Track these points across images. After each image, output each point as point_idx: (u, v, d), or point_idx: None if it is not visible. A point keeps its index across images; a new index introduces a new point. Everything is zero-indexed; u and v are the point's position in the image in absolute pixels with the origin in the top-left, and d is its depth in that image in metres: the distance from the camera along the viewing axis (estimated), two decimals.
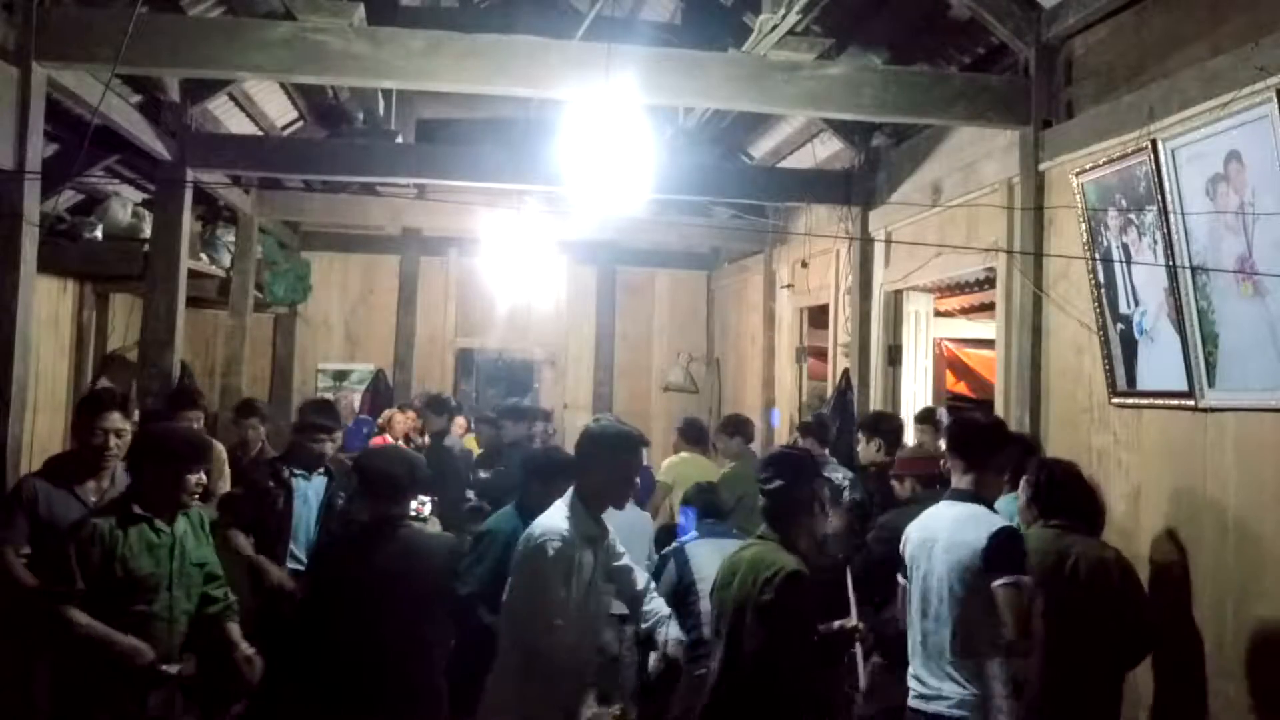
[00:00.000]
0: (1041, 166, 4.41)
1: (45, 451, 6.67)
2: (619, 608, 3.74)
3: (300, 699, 3.33)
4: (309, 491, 4.62)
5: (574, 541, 3.09)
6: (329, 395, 9.44)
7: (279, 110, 7.27)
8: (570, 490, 3.23)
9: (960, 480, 3.20)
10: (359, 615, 3.24)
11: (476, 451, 7.24)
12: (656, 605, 3.49)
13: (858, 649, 3.56)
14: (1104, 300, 3.93)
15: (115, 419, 3.61)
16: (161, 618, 3.16)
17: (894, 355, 6.22)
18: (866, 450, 5.10)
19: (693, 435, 6.53)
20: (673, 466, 6.26)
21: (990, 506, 3.14)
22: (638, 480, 3.41)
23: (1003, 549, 2.96)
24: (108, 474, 3.67)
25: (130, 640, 3.05)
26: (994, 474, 3.21)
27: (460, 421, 8.47)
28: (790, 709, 3.07)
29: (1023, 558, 2.99)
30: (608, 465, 3.23)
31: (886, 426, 5.18)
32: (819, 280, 7.49)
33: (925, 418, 5.34)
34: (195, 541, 3.33)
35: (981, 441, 3.24)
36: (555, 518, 3.15)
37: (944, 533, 3.10)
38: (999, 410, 4.74)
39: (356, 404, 9.47)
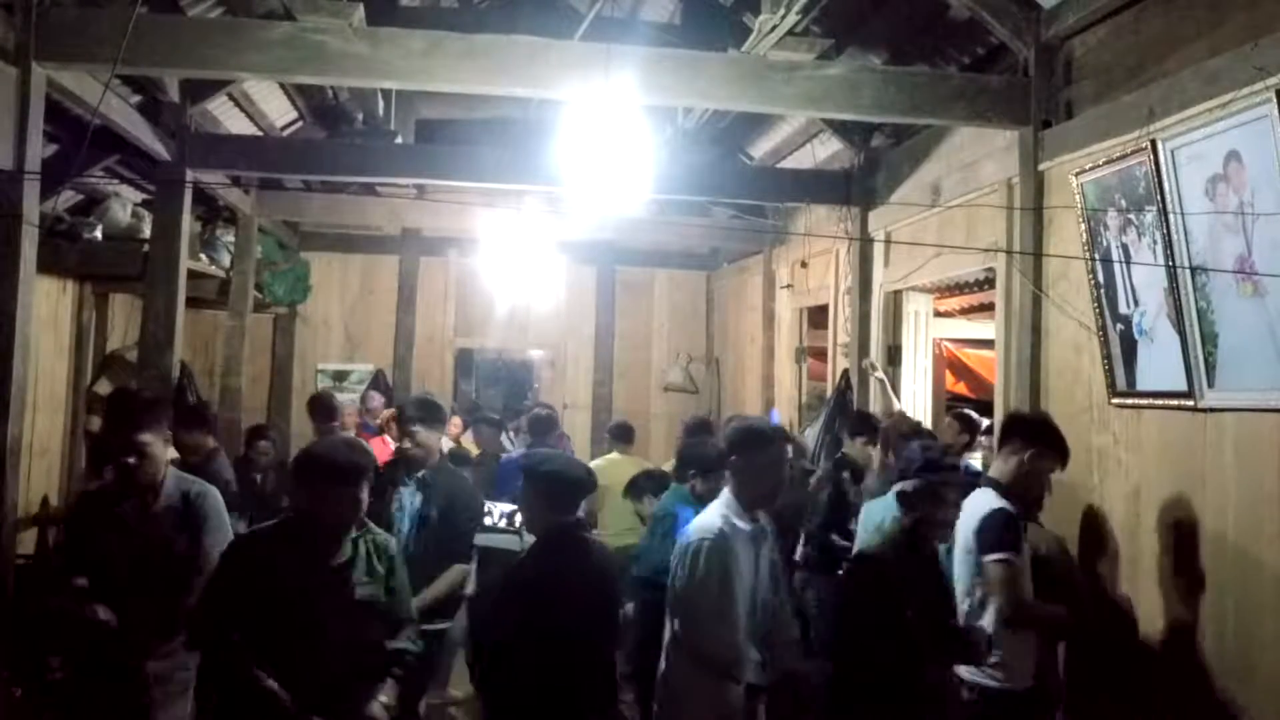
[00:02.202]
0: (1041, 167, 4.41)
1: (45, 451, 6.71)
2: None
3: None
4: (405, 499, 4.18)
5: (730, 538, 3.12)
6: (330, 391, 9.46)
7: (278, 110, 7.27)
8: (726, 489, 3.28)
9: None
10: (560, 638, 2.98)
11: (474, 452, 7.21)
12: None
13: None
14: (1103, 300, 3.93)
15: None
16: (315, 658, 2.79)
17: (893, 355, 6.23)
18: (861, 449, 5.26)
19: (621, 435, 6.65)
20: (601, 469, 6.22)
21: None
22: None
23: (994, 528, 3.20)
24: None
25: (271, 684, 2.73)
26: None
27: (456, 421, 8.48)
28: None
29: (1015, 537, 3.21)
30: (746, 465, 3.25)
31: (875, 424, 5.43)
32: (818, 280, 7.49)
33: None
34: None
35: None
36: (711, 516, 3.21)
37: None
38: (998, 411, 4.74)
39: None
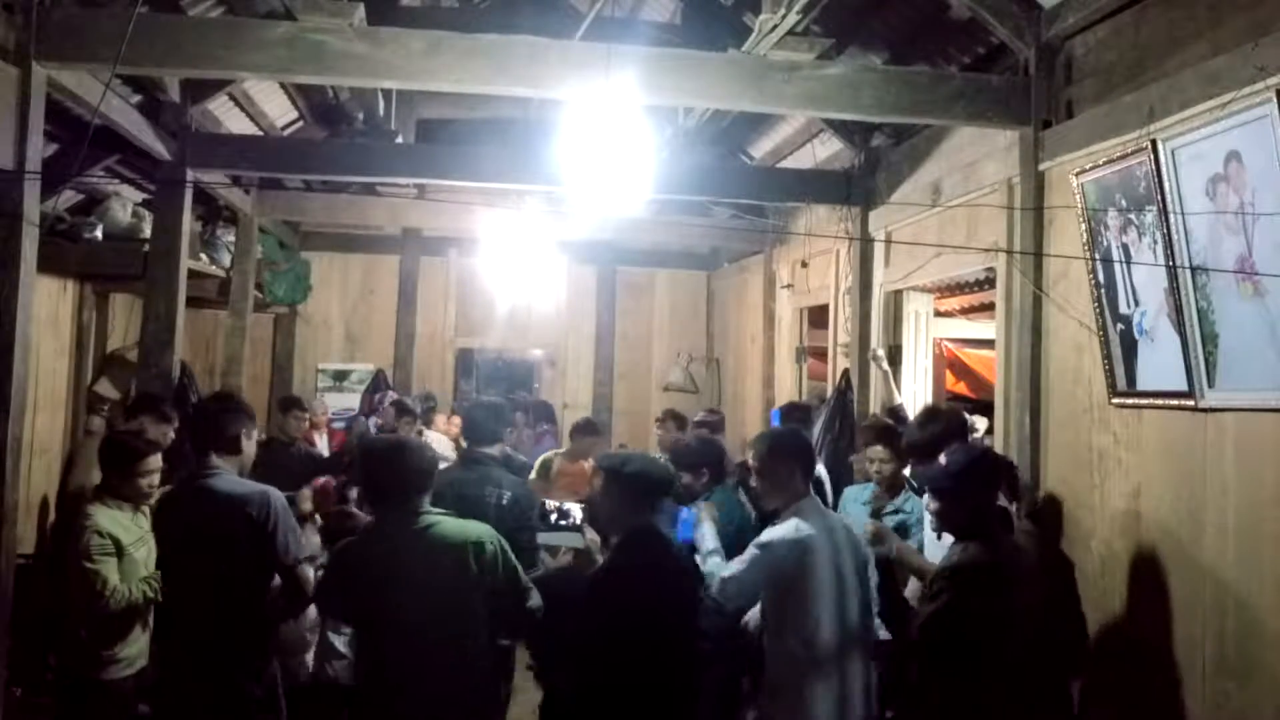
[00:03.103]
0: (1041, 166, 4.40)
1: (45, 451, 6.71)
2: None
3: None
4: None
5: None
6: (325, 394, 9.45)
7: (279, 110, 7.27)
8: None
9: None
10: (646, 638, 3.01)
11: None
12: None
13: None
14: (1104, 300, 3.93)
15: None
16: None
17: (894, 355, 6.23)
18: None
19: (581, 430, 6.74)
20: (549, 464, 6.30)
21: None
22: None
23: None
24: None
25: None
26: None
27: (456, 421, 8.47)
28: None
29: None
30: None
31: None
32: (819, 280, 7.49)
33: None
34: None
35: None
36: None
37: None
38: (999, 411, 4.75)
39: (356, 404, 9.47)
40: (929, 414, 4.39)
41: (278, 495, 3.51)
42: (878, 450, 4.45)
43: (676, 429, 6.55)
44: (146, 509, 3.83)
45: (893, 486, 4.41)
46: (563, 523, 4.34)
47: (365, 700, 3.09)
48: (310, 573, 3.57)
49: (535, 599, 3.14)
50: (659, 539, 3.21)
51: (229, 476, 3.55)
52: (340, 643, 4.43)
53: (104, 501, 3.76)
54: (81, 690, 3.67)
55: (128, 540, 3.69)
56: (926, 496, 3.48)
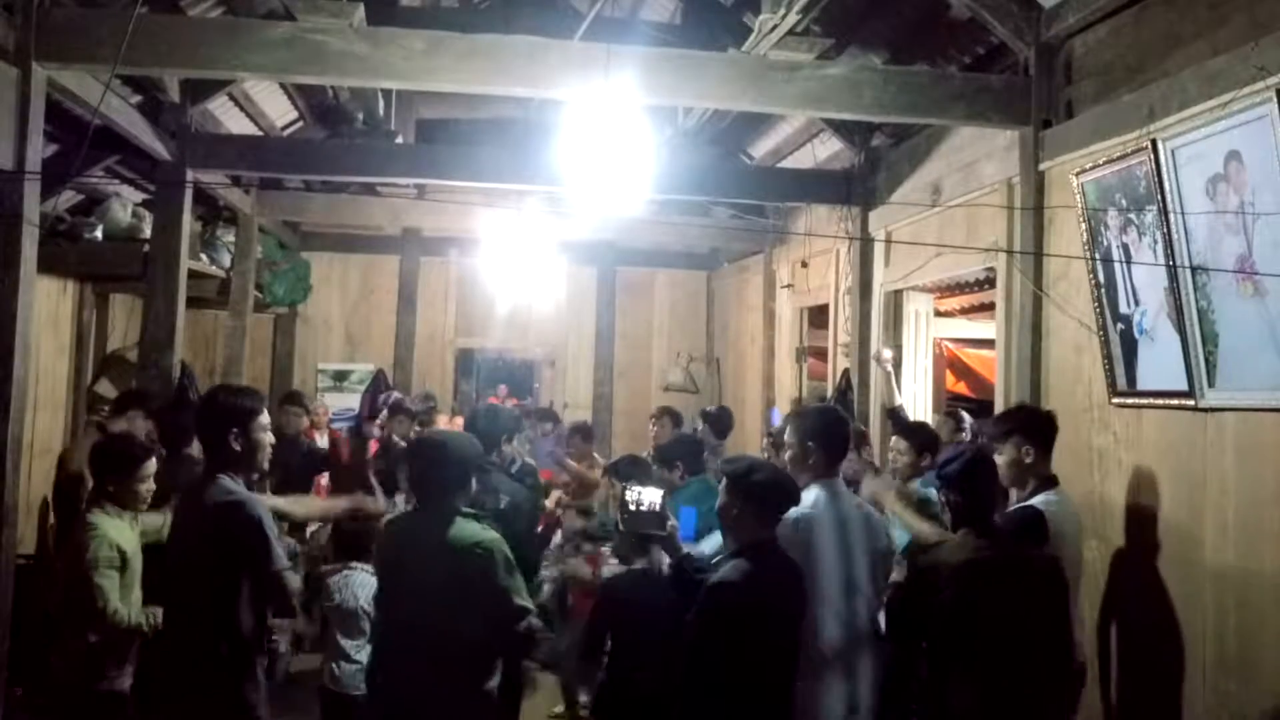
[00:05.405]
0: (1041, 166, 4.41)
1: (46, 452, 6.70)
2: None
3: None
4: None
5: None
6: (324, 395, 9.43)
7: (279, 110, 7.27)
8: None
9: None
10: (766, 662, 2.93)
11: None
12: None
13: None
14: (1104, 300, 3.93)
15: None
16: None
17: (894, 356, 6.22)
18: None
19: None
20: None
21: None
22: None
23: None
24: None
25: None
26: None
27: (458, 421, 8.46)
28: None
29: None
30: None
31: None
32: (819, 280, 7.49)
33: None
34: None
35: None
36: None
37: None
38: (999, 411, 4.74)
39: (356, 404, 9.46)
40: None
41: (256, 503, 3.19)
42: (899, 443, 4.56)
43: (673, 425, 6.59)
44: (137, 517, 3.74)
45: (909, 477, 4.43)
46: (643, 510, 4.31)
47: (369, 694, 3.16)
48: (296, 580, 3.47)
49: (531, 620, 3.07)
50: (780, 558, 3.04)
51: (223, 482, 3.14)
52: (349, 647, 4.40)
53: (104, 509, 3.64)
54: (83, 699, 3.58)
55: (130, 551, 3.60)
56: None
